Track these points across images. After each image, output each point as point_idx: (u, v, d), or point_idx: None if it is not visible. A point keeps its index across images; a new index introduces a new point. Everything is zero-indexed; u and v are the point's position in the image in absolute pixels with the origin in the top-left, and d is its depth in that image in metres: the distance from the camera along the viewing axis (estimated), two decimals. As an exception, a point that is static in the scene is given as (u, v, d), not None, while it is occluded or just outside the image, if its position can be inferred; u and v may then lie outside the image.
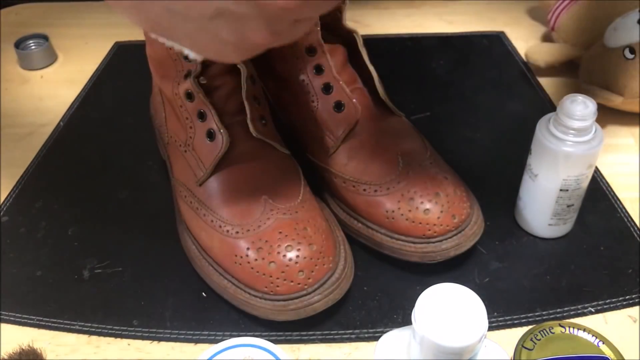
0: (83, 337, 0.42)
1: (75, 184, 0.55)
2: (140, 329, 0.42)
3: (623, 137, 0.59)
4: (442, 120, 0.61)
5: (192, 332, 0.42)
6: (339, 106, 0.47)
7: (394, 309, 0.43)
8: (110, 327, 0.42)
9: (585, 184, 0.44)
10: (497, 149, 0.57)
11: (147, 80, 0.55)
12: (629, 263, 0.46)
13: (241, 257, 0.41)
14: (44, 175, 0.56)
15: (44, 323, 0.43)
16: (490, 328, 0.41)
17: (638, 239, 0.48)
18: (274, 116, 0.50)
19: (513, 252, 0.47)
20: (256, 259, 0.40)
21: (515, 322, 0.42)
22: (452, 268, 0.45)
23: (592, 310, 0.42)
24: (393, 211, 0.44)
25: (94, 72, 0.71)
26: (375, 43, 0.73)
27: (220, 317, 0.43)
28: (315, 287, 0.40)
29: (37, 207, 0.53)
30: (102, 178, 0.56)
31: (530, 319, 0.42)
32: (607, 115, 0.60)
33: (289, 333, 0.41)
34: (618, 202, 0.51)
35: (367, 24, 0.79)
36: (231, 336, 0.38)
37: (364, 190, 0.45)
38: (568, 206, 0.45)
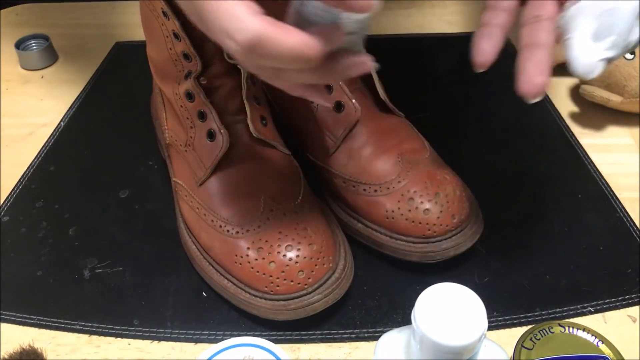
0: (83, 337, 0.42)
1: (75, 184, 0.55)
2: (140, 328, 0.42)
3: (623, 137, 0.59)
4: (442, 120, 0.61)
5: (192, 332, 0.42)
6: (339, 106, 0.47)
7: (394, 308, 0.43)
8: (111, 326, 0.42)
9: None
10: (497, 149, 0.57)
11: (147, 80, 0.55)
12: (628, 263, 0.46)
13: (241, 257, 0.41)
14: (45, 175, 0.56)
15: (44, 323, 0.43)
16: (490, 328, 0.41)
17: (638, 239, 0.48)
18: (274, 116, 0.50)
19: (513, 252, 0.47)
20: (256, 259, 0.40)
21: (515, 321, 0.42)
22: (452, 268, 0.45)
23: (592, 309, 0.42)
24: (393, 211, 0.44)
25: (94, 72, 0.71)
26: (375, 43, 0.73)
27: (220, 317, 0.43)
28: (315, 286, 0.40)
29: (37, 207, 0.53)
30: (102, 178, 0.56)
31: (529, 319, 0.42)
32: (607, 115, 0.60)
33: (289, 333, 0.42)
34: (618, 202, 0.51)
35: (367, 24, 0.79)
36: (231, 336, 0.38)
37: (364, 190, 0.45)
38: None
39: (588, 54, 0.32)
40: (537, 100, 0.33)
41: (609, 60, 0.32)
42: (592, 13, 0.33)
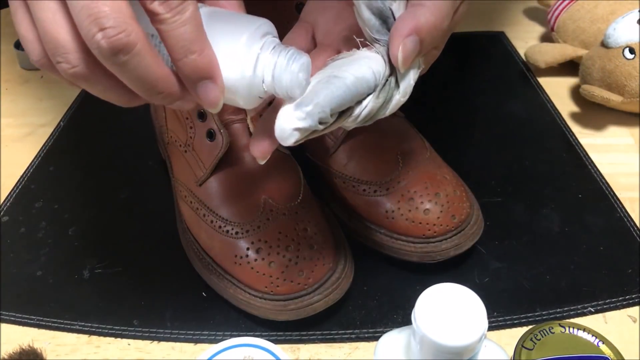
0: (83, 337, 0.42)
1: (75, 184, 0.55)
2: (140, 328, 0.42)
3: (623, 137, 0.59)
4: (442, 120, 0.61)
5: (192, 332, 0.42)
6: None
7: (394, 309, 0.43)
8: (111, 327, 0.42)
9: None
10: (497, 149, 0.57)
11: (147, 80, 0.55)
12: (628, 263, 0.46)
13: (241, 257, 0.41)
14: (44, 175, 0.56)
15: (44, 323, 0.43)
16: (490, 328, 0.41)
17: (638, 239, 0.48)
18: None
19: (513, 252, 0.47)
20: (256, 259, 0.40)
21: (515, 322, 0.42)
22: (452, 268, 0.45)
23: (592, 310, 0.42)
24: (393, 211, 0.44)
25: (94, 72, 0.71)
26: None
27: (220, 317, 0.43)
28: (315, 287, 0.40)
29: (37, 207, 0.53)
30: (102, 178, 0.56)
31: (530, 319, 0.42)
32: (607, 115, 0.60)
33: (289, 333, 0.42)
34: (618, 202, 0.51)
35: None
36: (231, 336, 0.38)
37: (364, 190, 0.45)
38: None
39: (284, 118, 0.28)
40: (263, 162, 0.32)
41: (308, 132, 0.28)
42: (320, 75, 0.29)
